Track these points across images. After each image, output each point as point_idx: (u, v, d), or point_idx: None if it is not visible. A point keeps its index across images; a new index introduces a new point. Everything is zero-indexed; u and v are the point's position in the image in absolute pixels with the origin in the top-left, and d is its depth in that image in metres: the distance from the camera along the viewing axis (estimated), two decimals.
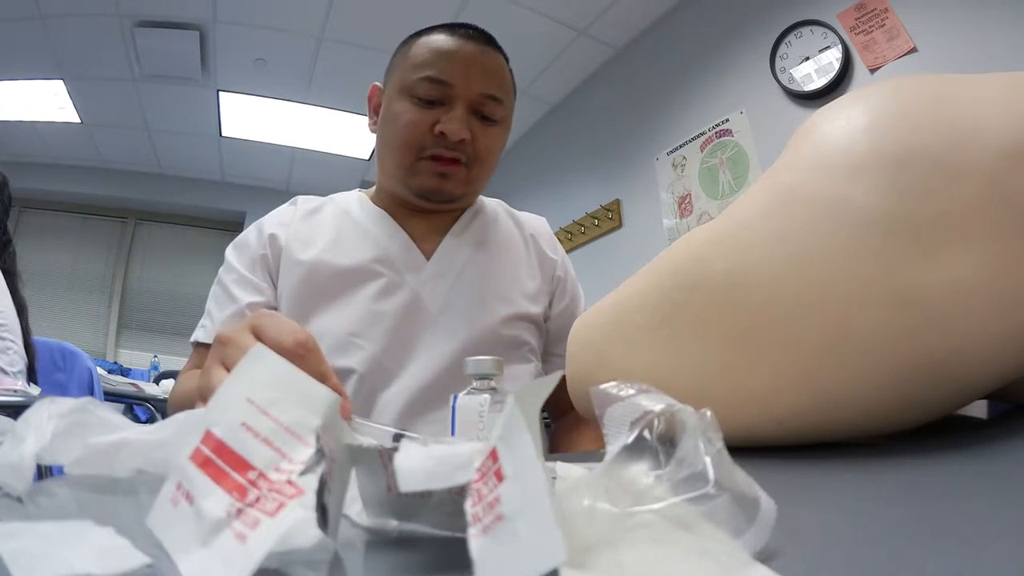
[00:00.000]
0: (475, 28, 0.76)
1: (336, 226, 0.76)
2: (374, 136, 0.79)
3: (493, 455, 0.15)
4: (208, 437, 0.18)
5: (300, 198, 0.81)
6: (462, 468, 0.16)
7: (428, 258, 0.75)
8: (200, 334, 0.72)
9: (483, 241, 0.79)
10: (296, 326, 0.37)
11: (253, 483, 0.17)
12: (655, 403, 0.20)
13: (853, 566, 0.15)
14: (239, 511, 0.16)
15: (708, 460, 0.17)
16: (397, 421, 0.65)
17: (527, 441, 0.14)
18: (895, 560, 0.16)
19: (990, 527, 0.18)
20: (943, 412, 0.34)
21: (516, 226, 0.85)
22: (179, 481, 0.18)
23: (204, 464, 0.18)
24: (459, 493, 0.17)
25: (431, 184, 0.72)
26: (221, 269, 0.76)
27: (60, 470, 0.27)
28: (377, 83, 0.80)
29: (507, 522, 0.14)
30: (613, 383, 0.22)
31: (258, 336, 0.37)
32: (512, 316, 0.74)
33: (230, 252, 0.76)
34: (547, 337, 0.82)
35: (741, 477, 0.17)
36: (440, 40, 0.73)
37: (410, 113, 0.70)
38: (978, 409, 0.42)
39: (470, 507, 0.15)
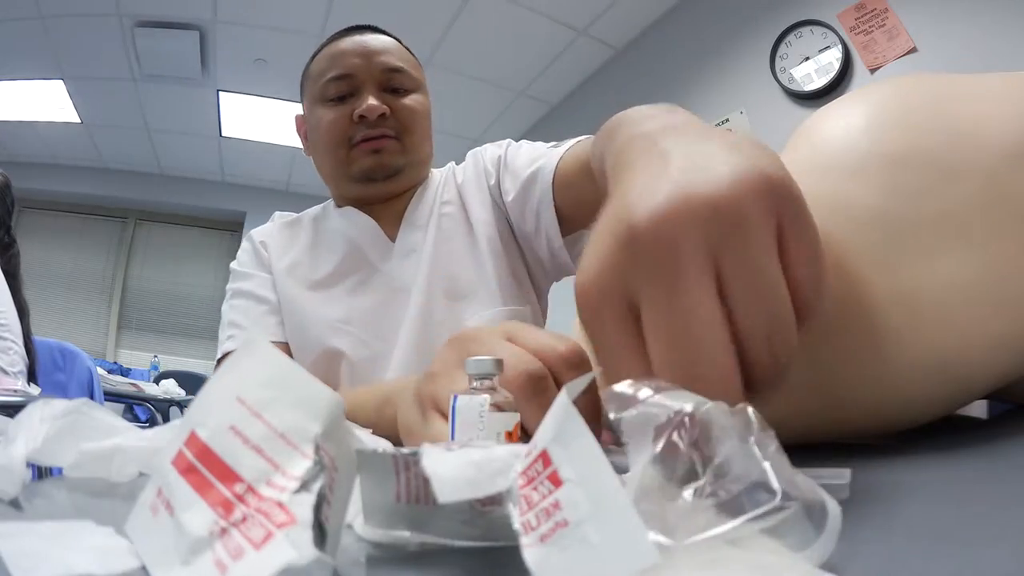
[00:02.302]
0: (360, 25, 0.81)
1: (310, 232, 0.81)
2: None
3: (544, 458, 0.14)
4: (192, 440, 0.16)
5: (277, 214, 0.86)
6: (502, 474, 0.15)
7: (393, 241, 0.77)
8: (230, 344, 0.73)
9: (434, 214, 0.78)
10: (562, 334, 0.33)
11: (240, 498, 0.15)
12: (681, 402, 0.17)
13: (854, 566, 0.15)
14: (223, 530, 0.15)
15: (768, 467, 0.15)
16: None
17: (588, 441, 0.14)
18: (895, 560, 0.16)
19: (990, 528, 0.18)
20: (943, 412, 0.34)
21: (455, 186, 0.82)
22: (160, 487, 0.16)
23: (187, 471, 0.16)
24: (478, 500, 0.16)
25: (368, 163, 0.74)
26: (232, 283, 0.79)
27: (60, 470, 0.27)
28: (299, 113, 0.85)
29: (573, 528, 0.13)
30: (627, 382, 0.19)
31: (516, 341, 0.33)
32: (483, 284, 0.74)
33: (238, 267, 0.80)
34: (529, 230, 0.74)
35: (802, 481, 0.15)
36: (330, 47, 0.78)
37: (328, 115, 0.75)
38: (978, 409, 0.42)
39: (519, 515, 0.14)
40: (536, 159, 0.72)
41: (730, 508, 0.14)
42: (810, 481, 0.15)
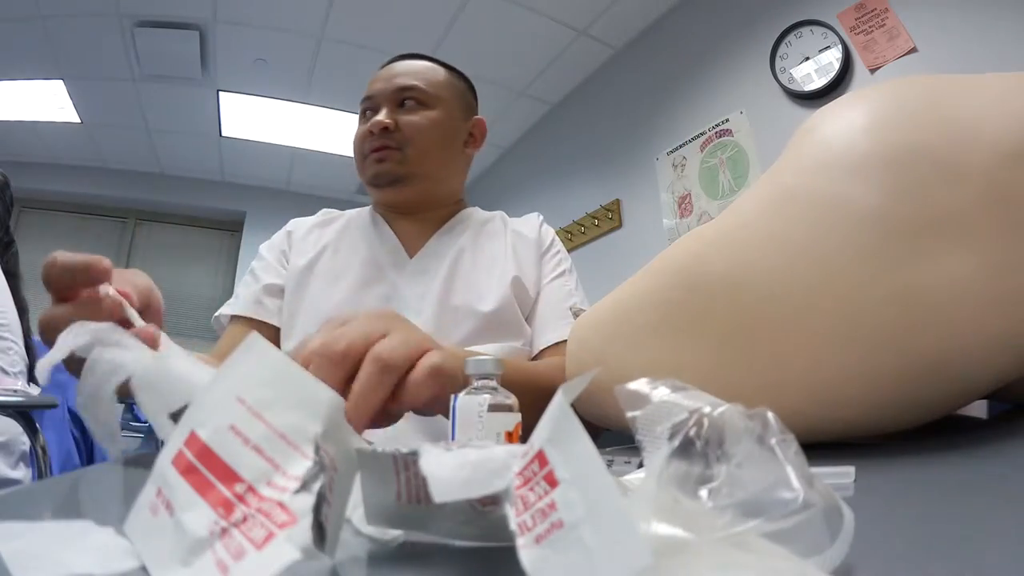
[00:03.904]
0: (408, 53, 0.90)
1: (339, 230, 0.89)
2: None
3: (540, 458, 0.14)
4: (192, 439, 0.16)
5: (325, 211, 0.95)
6: (499, 474, 0.15)
7: (412, 257, 0.85)
8: (225, 308, 0.83)
9: (467, 243, 0.86)
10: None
11: (240, 498, 0.15)
12: (697, 402, 0.17)
13: (856, 564, 0.15)
14: (223, 531, 0.15)
15: (790, 470, 0.15)
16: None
17: (584, 442, 0.14)
18: (895, 559, 0.16)
19: (990, 527, 0.18)
20: (943, 412, 0.34)
21: (504, 227, 0.91)
22: (159, 487, 0.16)
23: (187, 471, 0.16)
24: (478, 500, 0.16)
25: (373, 169, 0.84)
26: (252, 262, 0.90)
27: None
28: None
29: (568, 530, 0.13)
30: (644, 380, 0.19)
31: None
32: (485, 312, 0.79)
33: (262, 247, 0.91)
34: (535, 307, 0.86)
35: (820, 485, 0.15)
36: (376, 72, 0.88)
37: (357, 131, 0.87)
38: (978, 409, 0.42)
39: (515, 516, 0.14)
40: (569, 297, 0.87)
41: (749, 509, 0.14)
42: (827, 486, 0.15)
